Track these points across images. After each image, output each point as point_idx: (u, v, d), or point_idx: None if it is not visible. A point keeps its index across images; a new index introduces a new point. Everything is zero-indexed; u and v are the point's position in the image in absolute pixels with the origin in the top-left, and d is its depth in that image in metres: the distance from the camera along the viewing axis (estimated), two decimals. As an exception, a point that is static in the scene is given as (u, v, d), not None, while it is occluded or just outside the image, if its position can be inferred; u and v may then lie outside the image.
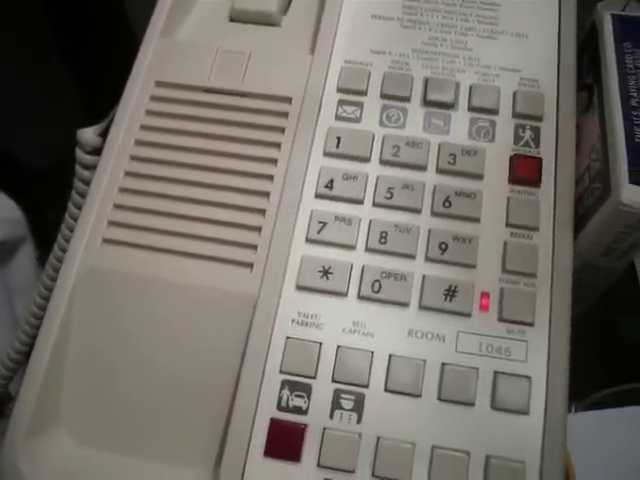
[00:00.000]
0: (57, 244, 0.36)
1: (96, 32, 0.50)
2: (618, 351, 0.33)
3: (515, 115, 0.27)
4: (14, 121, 0.53)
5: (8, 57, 0.49)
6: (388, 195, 0.26)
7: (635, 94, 0.26)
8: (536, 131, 0.27)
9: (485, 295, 0.25)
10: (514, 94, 0.28)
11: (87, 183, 0.34)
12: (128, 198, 0.27)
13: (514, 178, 0.26)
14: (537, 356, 0.24)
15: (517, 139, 0.27)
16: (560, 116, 0.27)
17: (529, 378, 0.23)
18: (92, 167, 0.34)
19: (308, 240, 0.25)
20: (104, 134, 0.34)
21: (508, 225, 0.26)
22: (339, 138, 0.27)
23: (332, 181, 0.26)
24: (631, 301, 0.35)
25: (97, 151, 0.34)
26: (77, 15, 0.49)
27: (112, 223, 0.27)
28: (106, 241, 0.27)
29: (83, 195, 0.34)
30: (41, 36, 0.52)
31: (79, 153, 0.35)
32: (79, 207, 0.34)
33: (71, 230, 0.35)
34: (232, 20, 0.32)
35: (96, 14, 0.50)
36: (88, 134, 0.34)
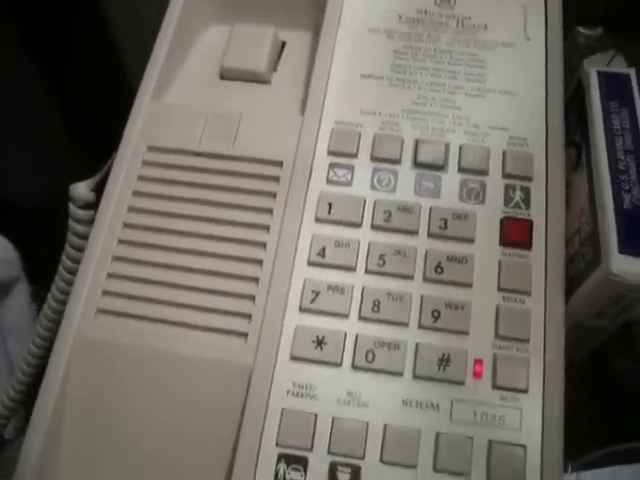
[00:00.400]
0: (51, 294, 0.36)
1: (89, 74, 0.50)
2: (616, 397, 0.33)
3: (505, 175, 0.28)
4: (5, 161, 0.53)
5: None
6: (380, 262, 0.26)
7: (622, 157, 0.26)
8: (526, 191, 0.27)
9: (478, 362, 0.25)
10: (504, 154, 0.28)
11: (80, 237, 0.34)
12: (122, 267, 0.27)
13: (505, 241, 0.26)
14: (531, 423, 0.24)
15: (507, 200, 0.27)
16: (549, 176, 0.27)
17: (524, 447, 0.24)
18: (85, 221, 0.35)
19: (302, 309, 0.26)
20: (97, 188, 0.35)
21: (500, 289, 0.26)
22: (330, 204, 0.27)
23: (324, 249, 0.26)
24: (626, 342, 0.35)
25: (90, 205, 0.35)
26: (68, 56, 0.49)
27: (106, 293, 0.27)
28: (100, 311, 0.27)
29: (76, 248, 0.35)
30: (33, 77, 0.52)
31: (72, 208, 0.35)
32: (72, 259, 0.35)
33: (65, 282, 0.35)
34: (222, 78, 0.32)
35: (90, 56, 0.50)
36: (80, 189, 0.34)
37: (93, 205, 0.35)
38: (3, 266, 0.48)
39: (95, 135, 0.52)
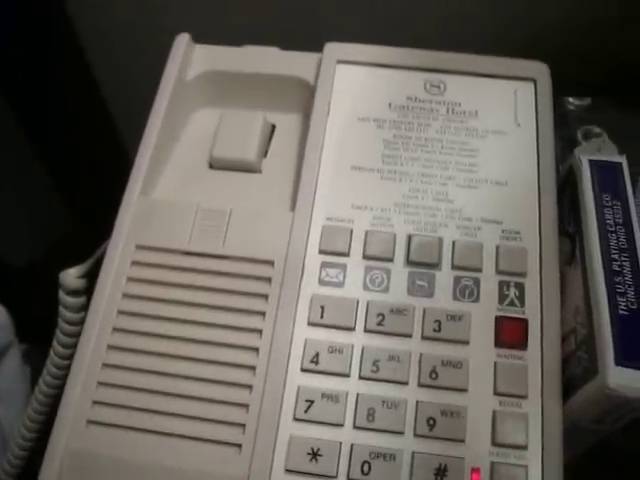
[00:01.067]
0: (42, 379, 0.36)
1: (79, 136, 0.50)
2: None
3: (499, 272, 0.27)
4: None
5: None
6: (374, 368, 0.26)
7: (617, 255, 0.26)
8: (520, 288, 0.27)
9: (476, 471, 0.24)
10: (497, 248, 0.28)
11: (70, 323, 0.34)
12: (112, 374, 0.27)
13: (500, 342, 0.26)
14: (530, 536, 0.24)
15: (502, 298, 0.27)
16: (544, 272, 0.27)
17: None
18: (74, 308, 0.34)
19: (296, 419, 0.25)
20: (86, 275, 0.34)
21: (496, 394, 0.25)
22: (323, 307, 0.27)
23: (317, 355, 0.26)
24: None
25: (79, 292, 0.34)
26: (55, 115, 0.49)
27: (97, 403, 0.26)
28: (91, 422, 0.26)
29: (67, 334, 0.34)
30: (20, 137, 0.52)
31: (61, 295, 0.34)
32: (64, 345, 0.34)
33: (56, 366, 0.34)
34: (212, 167, 0.32)
35: (77, 112, 0.50)
36: (70, 277, 0.34)
37: (82, 292, 0.34)
38: None
39: (88, 197, 0.52)
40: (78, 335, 0.34)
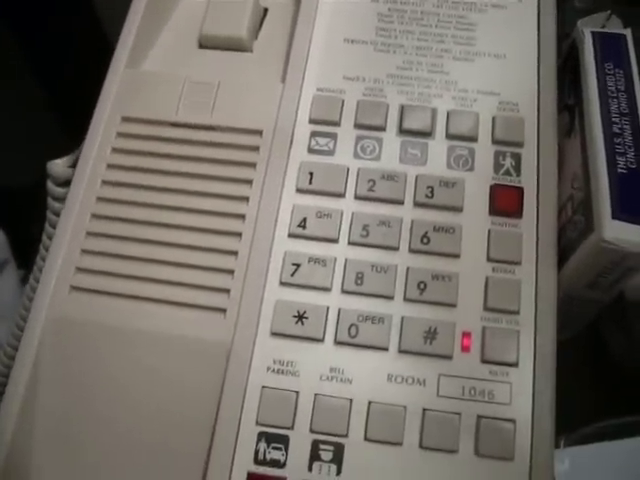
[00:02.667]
0: (32, 275, 0.35)
1: (72, 48, 0.48)
2: (610, 374, 0.32)
3: (495, 142, 0.26)
4: None
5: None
6: (364, 233, 0.25)
7: (617, 119, 0.25)
8: (517, 158, 0.26)
9: (466, 335, 0.24)
10: (493, 119, 0.27)
11: (58, 214, 0.33)
12: (96, 242, 0.26)
13: (495, 209, 0.25)
14: (521, 398, 0.23)
15: (497, 167, 0.26)
16: (541, 142, 0.26)
17: (514, 421, 0.23)
18: (63, 199, 0.33)
19: (282, 283, 0.25)
20: (74, 165, 0.33)
21: (489, 260, 0.25)
22: (312, 173, 0.26)
23: (305, 220, 0.25)
24: (618, 316, 0.34)
25: (68, 183, 0.33)
26: (51, 30, 0.48)
27: (80, 269, 0.26)
28: (74, 288, 0.26)
29: (55, 226, 0.34)
30: (15, 53, 0.51)
31: (50, 185, 0.34)
32: (51, 238, 0.34)
33: (44, 260, 0.34)
34: (201, 46, 0.30)
35: (72, 29, 0.49)
36: (58, 166, 0.33)
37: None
38: None
39: (82, 113, 0.51)
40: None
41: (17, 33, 0.47)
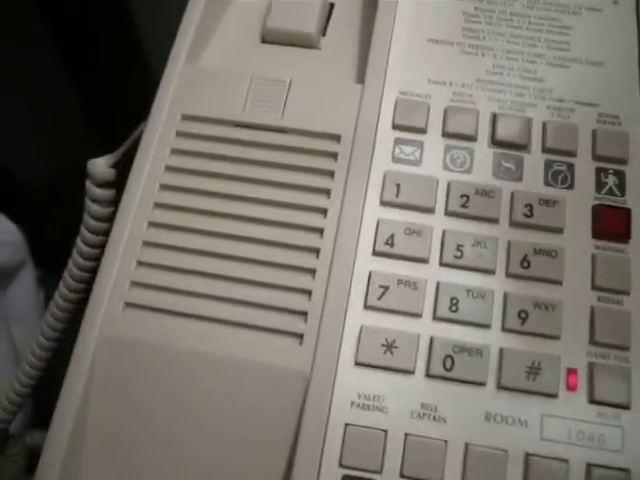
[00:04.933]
0: (63, 282, 0.32)
1: (102, 48, 0.46)
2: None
3: (595, 157, 0.24)
4: (13, 137, 0.50)
5: (9, 71, 0.45)
6: (457, 254, 0.22)
7: None
8: (621, 176, 0.24)
9: (572, 372, 0.21)
10: (593, 133, 0.24)
11: (97, 218, 0.31)
12: (153, 254, 0.23)
13: (599, 232, 0.23)
14: (635, 444, 0.21)
15: (599, 186, 0.24)
16: (647, 158, 0.24)
17: (627, 471, 0.20)
18: (104, 201, 0.31)
19: (367, 307, 0.22)
20: (116, 165, 0.31)
21: (594, 288, 0.22)
22: (398, 185, 0.23)
23: (392, 236, 0.23)
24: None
25: (109, 184, 0.31)
26: (82, 29, 0.45)
27: (135, 283, 0.23)
28: (129, 305, 0.23)
29: (92, 231, 0.31)
30: (44, 50, 0.48)
31: (89, 186, 0.31)
32: (88, 244, 0.31)
33: (79, 268, 0.31)
34: (264, 41, 0.28)
35: (103, 29, 0.46)
36: (99, 166, 0.30)
37: (112, 184, 0.31)
38: (8, 250, 0.45)
39: (110, 113, 0.48)
40: (104, 233, 0.30)
41: (52, 30, 0.45)
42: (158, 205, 0.24)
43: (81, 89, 0.49)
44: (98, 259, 0.31)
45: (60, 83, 0.49)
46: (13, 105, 0.46)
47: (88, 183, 0.30)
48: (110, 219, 0.31)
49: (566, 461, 0.20)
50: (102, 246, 0.30)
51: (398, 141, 0.24)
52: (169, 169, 0.24)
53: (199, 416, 0.22)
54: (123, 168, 0.31)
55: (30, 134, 0.49)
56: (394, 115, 0.25)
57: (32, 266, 0.47)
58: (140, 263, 0.23)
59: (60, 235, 0.36)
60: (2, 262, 0.44)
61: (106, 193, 0.30)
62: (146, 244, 0.24)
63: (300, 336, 0.22)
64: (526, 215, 0.23)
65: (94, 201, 0.30)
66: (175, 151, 0.25)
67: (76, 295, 0.31)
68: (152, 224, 0.24)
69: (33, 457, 0.43)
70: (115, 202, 0.31)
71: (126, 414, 0.22)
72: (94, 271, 0.30)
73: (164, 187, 0.24)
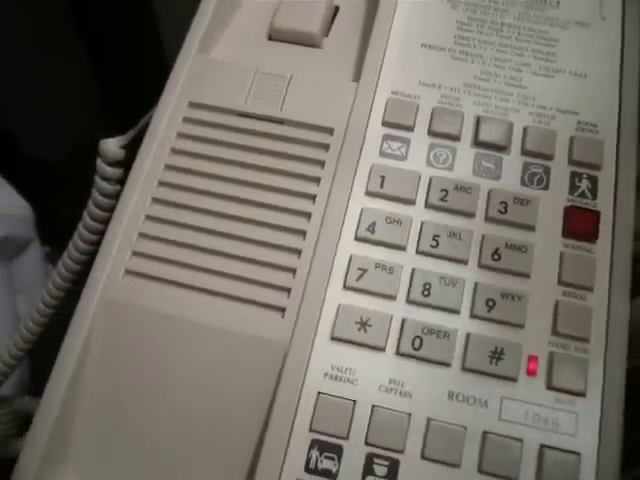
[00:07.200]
0: (67, 252, 0.34)
1: (122, 32, 0.48)
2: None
3: (571, 162, 0.26)
4: (31, 113, 0.52)
5: (31, 51, 0.48)
6: (433, 243, 0.24)
7: None
8: (593, 181, 0.25)
9: (533, 359, 0.23)
10: (571, 139, 0.26)
11: (106, 195, 0.33)
12: (154, 227, 0.25)
13: (569, 231, 0.24)
14: (587, 430, 0.22)
15: (573, 188, 0.25)
16: (620, 166, 0.25)
17: (578, 454, 0.22)
18: (112, 179, 0.33)
19: (346, 287, 0.24)
20: (127, 146, 0.33)
21: (560, 283, 0.24)
22: (383, 177, 0.25)
23: (374, 224, 0.24)
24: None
25: (119, 163, 0.33)
26: (103, 12, 0.48)
27: (136, 253, 0.25)
28: (129, 272, 0.25)
29: (100, 207, 0.33)
30: (65, 29, 0.50)
31: (100, 164, 0.33)
32: (95, 219, 0.33)
33: (84, 241, 0.33)
34: (271, 39, 0.30)
35: (123, 13, 0.48)
36: (110, 145, 0.33)
37: (121, 163, 0.33)
38: (17, 223, 0.47)
39: (123, 92, 0.50)
40: (110, 209, 0.32)
41: (76, 13, 0.47)
42: (162, 183, 0.26)
43: (99, 73, 0.51)
44: (101, 233, 0.33)
45: (79, 66, 0.51)
46: (31, 86, 0.48)
47: (99, 161, 0.32)
48: (116, 196, 0.33)
49: (521, 440, 0.22)
50: (106, 222, 0.32)
51: (386, 137, 0.26)
52: (174, 151, 0.26)
53: (184, 378, 0.24)
54: (132, 149, 0.33)
55: (45, 105, 0.51)
56: (385, 113, 0.26)
57: (39, 241, 0.48)
58: (141, 235, 0.25)
59: (69, 213, 0.37)
60: (12, 234, 0.45)
61: (115, 171, 0.32)
62: (148, 218, 0.25)
63: (283, 310, 0.24)
64: (501, 212, 0.25)
65: (103, 178, 0.32)
66: (181, 135, 0.27)
67: (77, 266, 0.33)
68: (155, 200, 0.26)
69: (25, 422, 0.45)
70: (122, 181, 0.33)
71: (118, 371, 0.24)
72: (97, 244, 0.32)
73: (168, 167, 0.26)
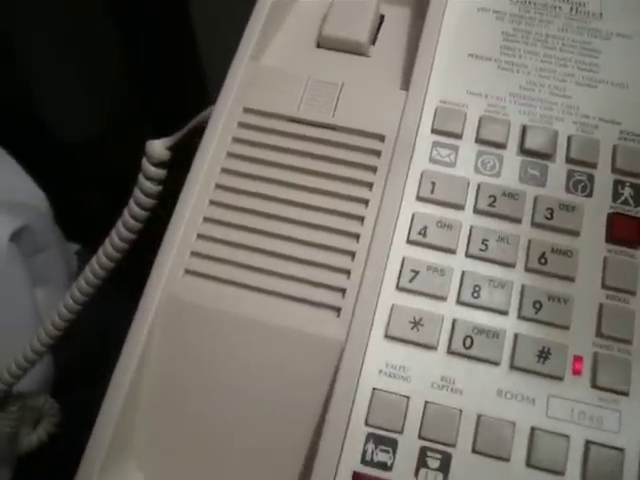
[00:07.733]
0: (103, 250, 0.35)
1: (163, 39, 0.49)
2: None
3: (614, 170, 0.26)
4: (62, 101, 0.52)
5: (72, 44, 0.48)
6: (482, 247, 0.25)
7: None
8: (636, 189, 0.26)
9: (578, 359, 0.24)
10: (614, 148, 0.27)
11: (148, 195, 0.34)
12: (212, 229, 0.26)
13: (612, 237, 0.25)
14: (630, 428, 0.23)
15: (616, 196, 0.26)
16: (661, 174, 0.26)
17: (622, 450, 0.23)
18: (155, 179, 0.34)
19: (399, 288, 0.25)
20: (171, 148, 0.34)
21: (604, 287, 0.25)
22: (434, 183, 0.26)
23: (425, 228, 0.25)
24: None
25: (163, 164, 0.34)
26: (145, 20, 0.49)
27: (195, 254, 0.26)
28: (188, 272, 0.26)
29: (141, 206, 0.34)
30: (106, 22, 0.51)
31: (145, 164, 0.34)
32: (135, 217, 0.34)
33: (121, 239, 0.34)
34: (319, 46, 0.31)
35: (166, 21, 0.49)
36: (157, 146, 0.34)
37: (165, 164, 0.34)
38: (34, 213, 0.46)
39: (159, 97, 0.51)
40: (150, 209, 0.33)
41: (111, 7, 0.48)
42: (219, 186, 0.27)
43: (135, 71, 0.52)
44: (139, 232, 0.34)
45: (115, 64, 0.52)
46: (68, 81, 0.49)
47: (144, 161, 0.33)
48: (157, 197, 0.34)
49: (567, 437, 0.23)
50: (144, 221, 0.33)
51: (436, 144, 0.27)
52: (230, 155, 0.27)
53: (242, 375, 0.25)
54: (177, 151, 0.34)
55: (75, 96, 0.52)
56: (434, 121, 0.27)
57: (61, 235, 0.49)
58: (200, 236, 0.26)
59: (96, 210, 0.38)
60: (28, 224, 0.44)
61: (159, 172, 0.33)
62: (206, 220, 0.27)
63: (338, 310, 0.25)
64: (547, 217, 0.26)
65: (147, 178, 0.33)
66: (236, 140, 0.28)
67: (111, 264, 0.34)
68: (212, 202, 0.27)
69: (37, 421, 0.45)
70: (164, 181, 0.34)
71: (180, 369, 0.25)
72: (132, 243, 0.33)
73: (225, 171, 0.27)
